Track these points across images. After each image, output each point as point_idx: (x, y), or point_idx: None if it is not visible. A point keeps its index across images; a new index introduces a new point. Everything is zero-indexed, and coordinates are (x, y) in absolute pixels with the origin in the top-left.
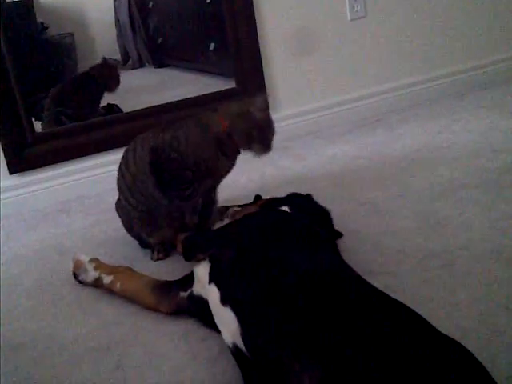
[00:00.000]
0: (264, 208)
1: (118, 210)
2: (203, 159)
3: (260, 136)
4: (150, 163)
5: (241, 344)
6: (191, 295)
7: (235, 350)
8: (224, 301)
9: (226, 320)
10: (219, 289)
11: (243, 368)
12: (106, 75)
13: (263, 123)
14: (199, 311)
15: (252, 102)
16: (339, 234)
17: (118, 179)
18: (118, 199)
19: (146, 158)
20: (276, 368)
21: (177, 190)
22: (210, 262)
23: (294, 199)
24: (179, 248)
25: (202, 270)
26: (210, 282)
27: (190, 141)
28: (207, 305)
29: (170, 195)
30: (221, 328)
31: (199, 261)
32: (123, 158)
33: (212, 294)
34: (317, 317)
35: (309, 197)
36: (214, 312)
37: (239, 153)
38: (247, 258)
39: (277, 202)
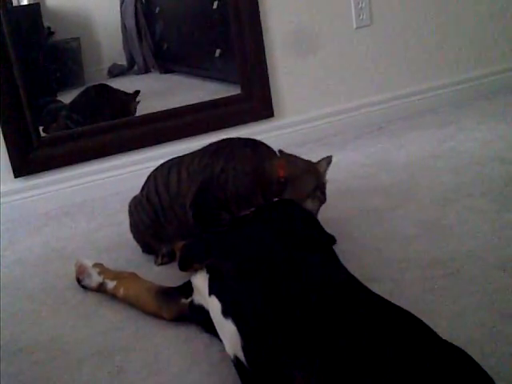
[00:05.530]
0: (258, 216)
1: (131, 209)
2: (244, 198)
3: (320, 196)
4: (193, 199)
5: (242, 356)
6: (192, 304)
7: (236, 362)
8: (225, 313)
9: (228, 332)
10: (220, 301)
11: (244, 380)
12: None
13: (323, 185)
14: (200, 319)
15: (318, 164)
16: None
17: (150, 191)
18: (136, 198)
19: (190, 186)
20: (277, 381)
21: (207, 227)
22: (208, 272)
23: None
24: (178, 256)
25: (200, 281)
26: (210, 295)
27: (237, 180)
28: (208, 314)
29: (200, 225)
30: (223, 339)
31: (196, 270)
32: (163, 176)
33: (213, 307)
34: (319, 328)
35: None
36: (215, 323)
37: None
38: (247, 269)
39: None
